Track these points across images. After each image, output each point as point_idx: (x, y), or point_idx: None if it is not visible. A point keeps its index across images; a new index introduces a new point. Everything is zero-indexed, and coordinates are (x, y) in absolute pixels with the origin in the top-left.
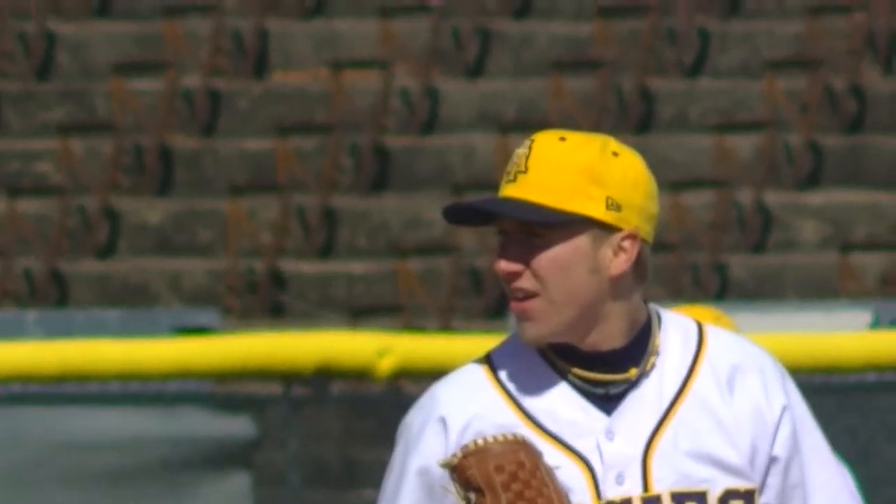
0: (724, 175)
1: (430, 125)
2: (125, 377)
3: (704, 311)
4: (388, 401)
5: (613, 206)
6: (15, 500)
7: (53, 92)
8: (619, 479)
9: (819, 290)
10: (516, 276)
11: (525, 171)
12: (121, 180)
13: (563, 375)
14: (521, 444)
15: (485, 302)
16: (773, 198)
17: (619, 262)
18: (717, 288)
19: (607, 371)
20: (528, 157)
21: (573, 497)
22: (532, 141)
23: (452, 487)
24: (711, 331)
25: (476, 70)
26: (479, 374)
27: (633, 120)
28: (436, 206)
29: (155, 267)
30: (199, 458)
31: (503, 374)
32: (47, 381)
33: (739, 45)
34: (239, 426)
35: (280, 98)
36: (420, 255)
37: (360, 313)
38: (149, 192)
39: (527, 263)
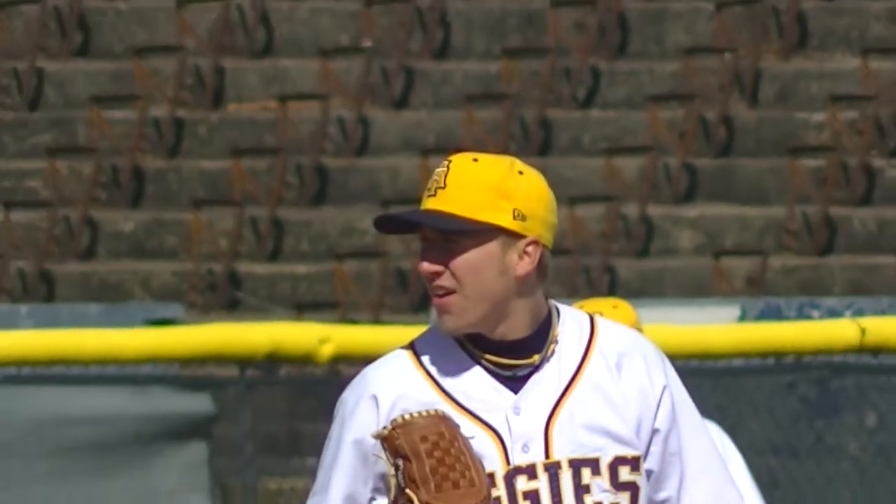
0: (612, 191)
1: (362, 149)
2: (103, 362)
3: (606, 302)
4: (327, 382)
5: (519, 216)
6: (7, 469)
7: (41, 120)
8: (525, 448)
9: (694, 289)
10: (437, 275)
11: (444, 187)
12: (99, 195)
13: (477, 360)
14: (442, 418)
15: (409, 298)
16: (654, 211)
17: (523, 264)
18: (607, 287)
19: (514, 357)
20: (446, 175)
21: (486, 463)
22: (449, 161)
23: (383, 455)
24: (602, 322)
25: (401, 102)
26: (404, 359)
27: (534, 145)
28: (367, 217)
29: (129, 268)
30: (166, 431)
31: (425, 359)
32: (37, 364)
33: (625, 81)
34: (200, 404)
35: (234, 125)
36: (354, 259)
37: (303, 307)
38: (123, 204)
39: (445, 265)
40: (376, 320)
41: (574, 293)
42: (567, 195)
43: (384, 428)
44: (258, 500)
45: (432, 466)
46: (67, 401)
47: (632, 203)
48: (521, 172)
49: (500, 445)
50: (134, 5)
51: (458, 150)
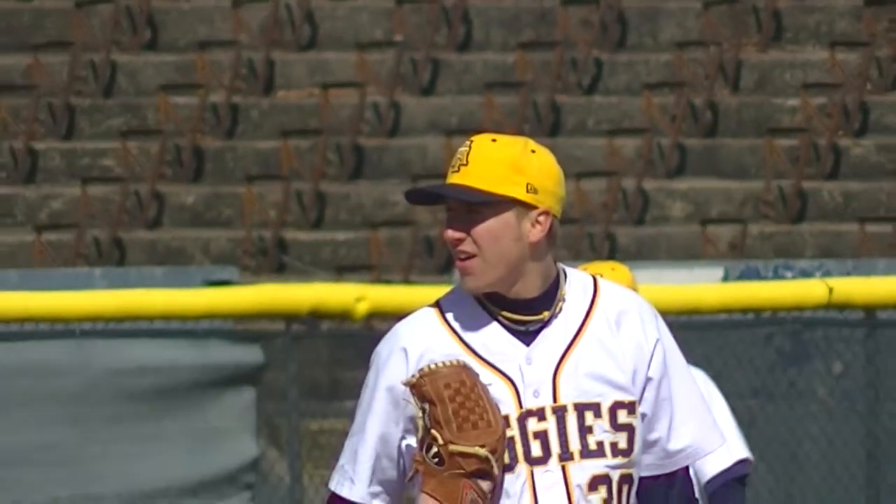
0: (613, 167)
1: (393, 130)
2: (167, 318)
3: (606, 265)
4: (363, 335)
5: (532, 190)
6: (85, 411)
7: (115, 106)
8: (536, 394)
9: (683, 253)
10: (460, 241)
11: (466, 164)
12: (165, 171)
13: (494, 317)
14: (463, 368)
15: (435, 262)
16: (649, 184)
17: (536, 232)
18: (608, 252)
19: (527, 313)
20: (468, 154)
21: (501, 407)
22: (471, 141)
23: (412, 400)
24: (603, 283)
25: (428, 89)
26: (431, 316)
27: (545, 126)
28: (398, 191)
29: (190, 236)
30: (221, 378)
31: (449, 316)
32: (109, 320)
33: (624, 71)
34: (251, 354)
35: (282, 110)
36: (387, 227)
37: (342, 270)
38: (185, 180)
39: (468, 232)
40: (406, 281)
41: (578, 257)
42: (573, 171)
43: (413, 376)
44: (301, 439)
45: (454, 410)
46: (136, 352)
47: (630, 178)
48: (533, 151)
49: (514, 391)
50: (195, 5)
51: (479, 131)
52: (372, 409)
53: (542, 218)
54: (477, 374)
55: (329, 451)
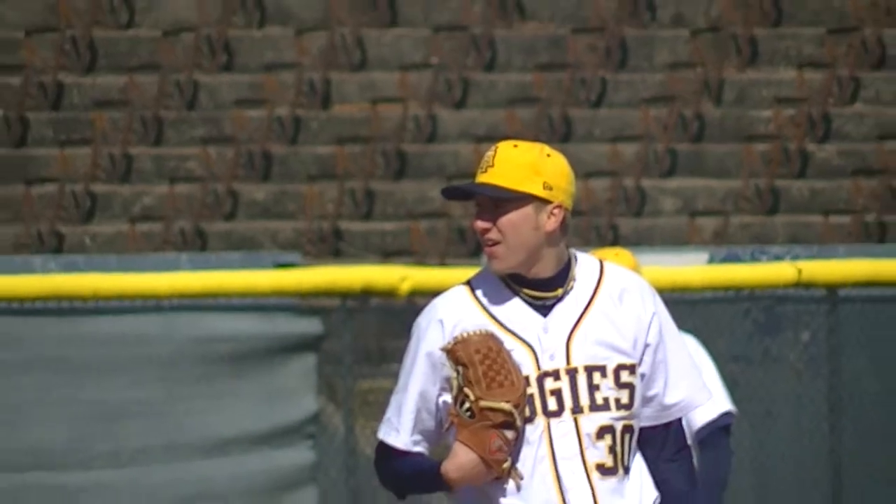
0: (615, 169)
1: (431, 138)
2: (242, 295)
3: (611, 251)
4: (406, 310)
5: (547, 187)
6: (172, 374)
7: (197, 118)
8: (552, 358)
9: (675, 240)
10: (487, 230)
11: (493, 166)
12: (239, 172)
13: (516, 293)
14: (490, 336)
15: (466, 248)
16: (646, 183)
17: (551, 222)
18: (611, 240)
19: (544, 290)
20: (494, 157)
21: (522, 368)
22: (496, 147)
23: (448, 363)
24: (608, 265)
25: (460, 104)
26: (462, 293)
27: (558, 135)
28: (436, 189)
29: (261, 227)
30: (286, 346)
31: (478, 293)
32: (193, 297)
33: (625, 88)
34: (312, 326)
35: (338, 121)
36: (426, 219)
37: (388, 255)
38: (257, 179)
39: (493, 223)
40: (442, 264)
41: (587, 244)
42: (582, 172)
43: (448, 343)
44: (354, 397)
45: (483, 371)
46: (215, 324)
47: (629, 177)
48: (549, 155)
49: (533, 356)
50: (265, 33)
51: (503, 139)
52: (413, 371)
53: (556, 211)
54: (502, 342)
55: (377, 406)
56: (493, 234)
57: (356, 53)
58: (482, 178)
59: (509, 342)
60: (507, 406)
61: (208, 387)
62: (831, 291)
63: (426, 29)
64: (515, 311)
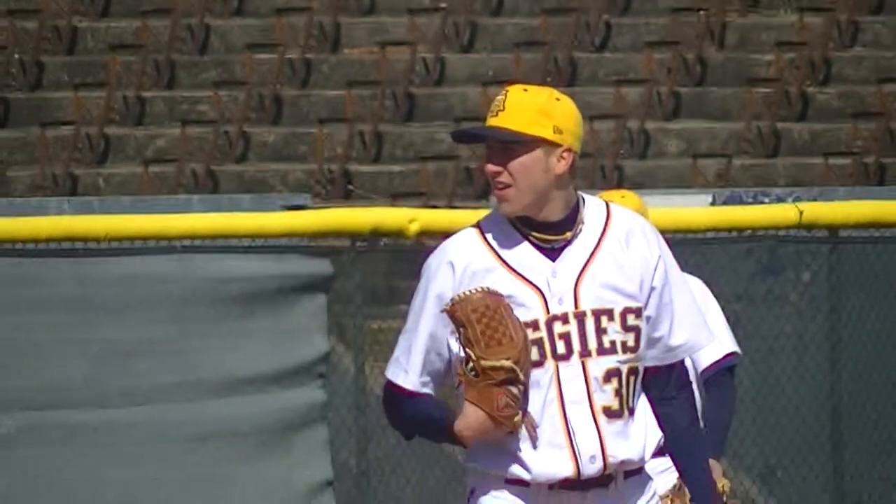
0: (620, 111)
1: (439, 81)
2: (253, 236)
3: (617, 193)
4: (415, 251)
5: (557, 131)
6: (186, 313)
7: (209, 61)
8: (560, 301)
9: (678, 182)
10: (498, 174)
11: (503, 109)
12: (250, 115)
13: (526, 237)
14: (489, 293)
15: (474, 190)
16: (650, 125)
17: (560, 165)
18: (617, 182)
19: (552, 234)
20: (504, 101)
21: (531, 313)
22: (507, 91)
23: (451, 323)
24: (614, 208)
25: (468, 47)
26: (472, 235)
27: (564, 78)
28: (444, 131)
29: (271, 169)
30: (298, 286)
31: (488, 236)
32: (205, 238)
33: (629, 32)
34: (322, 266)
35: (348, 65)
36: (434, 161)
37: (397, 196)
38: (267, 122)
39: (504, 166)
40: (450, 206)
41: (593, 186)
42: (587, 115)
43: (447, 304)
44: (364, 336)
45: (481, 330)
46: (227, 264)
47: (634, 120)
48: (557, 99)
49: (542, 299)
50: None
51: (511, 82)
52: (423, 312)
53: (565, 154)
54: (501, 296)
55: (386, 346)
56: (504, 178)
57: None
58: (493, 121)
59: (517, 286)
60: (507, 363)
61: (220, 326)
62: (832, 232)
63: None
64: (524, 255)
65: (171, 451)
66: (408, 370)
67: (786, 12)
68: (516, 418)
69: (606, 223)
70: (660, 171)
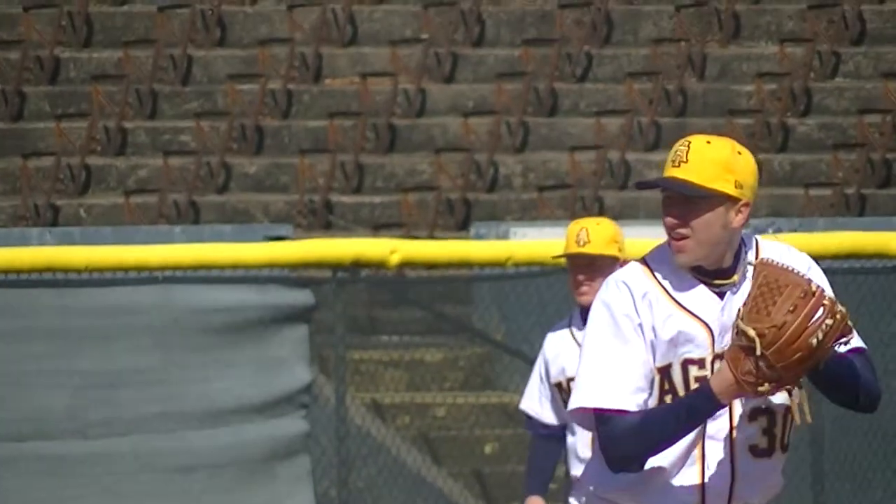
0: (601, 142)
1: (420, 112)
2: (234, 266)
3: (593, 220)
4: (396, 281)
5: (738, 185)
6: (168, 342)
7: (191, 92)
8: (721, 338)
9: (659, 213)
10: (678, 226)
11: (686, 161)
12: (231, 145)
13: (696, 278)
14: (789, 271)
15: (455, 220)
16: (630, 156)
17: (738, 219)
18: (597, 211)
19: (722, 278)
20: (687, 152)
21: (698, 350)
22: (689, 142)
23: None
24: (763, 244)
25: (449, 78)
26: (641, 271)
27: (545, 108)
28: (425, 162)
29: (253, 199)
30: (279, 316)
31: (658, 276)
32: (187, 268)
33: (610, 62)
34: (303, 297)
35: (329, 95)
36: (415, 192)
37: (378, 227)
38: (249, 153)
39: (685, 218)
40: (431, 236)
41: (573, 216)
42: (568, 145)
43: (756, 259)
44: (346, 367)
45: (754, 297)
46: (209, 295)
47: (614, 150)
48: (739, 153)
49: (710, 338)
50: (257, 8)
51: (491, 112)
52: (618, 334)
53: (744, 208)
54: (810, 281)
55: (367, 376)
56: (683, 230)
57: (347, 28)
58: (675, 172)
59: (691, 324)
60: (751, 332)
61: (203, 356)
62: None
63: (416, 4)
64: (695, 295)
65: (155, 481)
66: (621, 392)
67: (766, 43)
68: (760, 388)
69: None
70: (640, 202)
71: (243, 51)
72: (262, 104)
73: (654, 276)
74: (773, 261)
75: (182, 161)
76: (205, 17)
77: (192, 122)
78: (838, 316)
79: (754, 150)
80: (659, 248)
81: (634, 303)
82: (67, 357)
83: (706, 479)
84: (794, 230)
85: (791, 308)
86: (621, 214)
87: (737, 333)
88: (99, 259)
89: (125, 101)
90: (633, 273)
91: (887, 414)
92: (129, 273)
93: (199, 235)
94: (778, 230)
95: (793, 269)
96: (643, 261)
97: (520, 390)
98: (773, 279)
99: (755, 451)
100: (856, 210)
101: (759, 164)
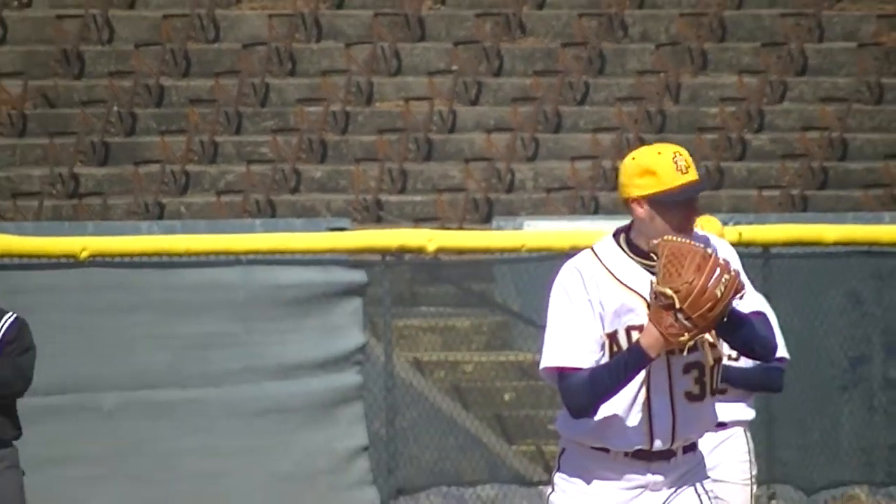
0: (596, 153)
1: (452, 129)
2: (303, 252)
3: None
4: (433, 263)
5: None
6: (249, 313)
7: (268, 112)
8: None
9: None
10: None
11: (690, 166)
12: (301, 155)
13: (637, 262)
14: (688, 244)
15: (479, 215)
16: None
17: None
18: (594, 210)
19: (652, 260)
20: (684, 158)
21: (637, 318)
22: (676, 150)
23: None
24: (698, 234)
25: (474, 102)
26: (590, 256)
27: (551, 127)
28: (456, 169)
29: (319, 198)
30: (339, 292)
31: (603, 259)
32: (265, 253)
33: (603, 89)
34: (358, 276)
35: (379, 115)
36: (448, 192)
37: (418, 220)
38: (315, 161)
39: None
40: (461, 228)
41: (574, 212)
42: (570, 156)
43: (657, 240)
44: (392, 332)
45: (663, 264)
46: (283, 275)
47: (607, 160)
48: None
49: (646, 305)
50: (321, 46)
51: (509, 130)
52: (571, 308)
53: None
54: (708, 250)
55: (410, 339)
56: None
57: (393, 62)
58: (695, 176)
59: (629, 296)
60: (668, 291)
61: (277, 324)
62: (765, 250)
63: (448, 43)
64: (633, 274)
65: (237, 423)
66: (575, 353)
67: (728, 74)
68: (682, 338)
69: None
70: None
71: (310, 80)
72: (325, 122)
73: (600, 261)
74: (672, 237)
75: (262, 168)
76: (279, 52)
77: (269, 137)
78: (733, 273)
79: (719, 160)
80: (605, 240)
81: (584, 283)
82: (169, 324)
83: (653, 422)
84: (751, 223)
85: (696, 268)
86: (613, 211)
87: (655, 297)
88: (195, 246)
89: (216, 120)
90: (584, 259)
91: (822, 369)
92: (220, 257)
93: (275, 227)
94: (737, 223)
95: (688, 242)
96: (592, 249)
97: (532, 351)
98: (677, 249)
99: (690, 397)
100: (799, 208)
101: (722, 171)
